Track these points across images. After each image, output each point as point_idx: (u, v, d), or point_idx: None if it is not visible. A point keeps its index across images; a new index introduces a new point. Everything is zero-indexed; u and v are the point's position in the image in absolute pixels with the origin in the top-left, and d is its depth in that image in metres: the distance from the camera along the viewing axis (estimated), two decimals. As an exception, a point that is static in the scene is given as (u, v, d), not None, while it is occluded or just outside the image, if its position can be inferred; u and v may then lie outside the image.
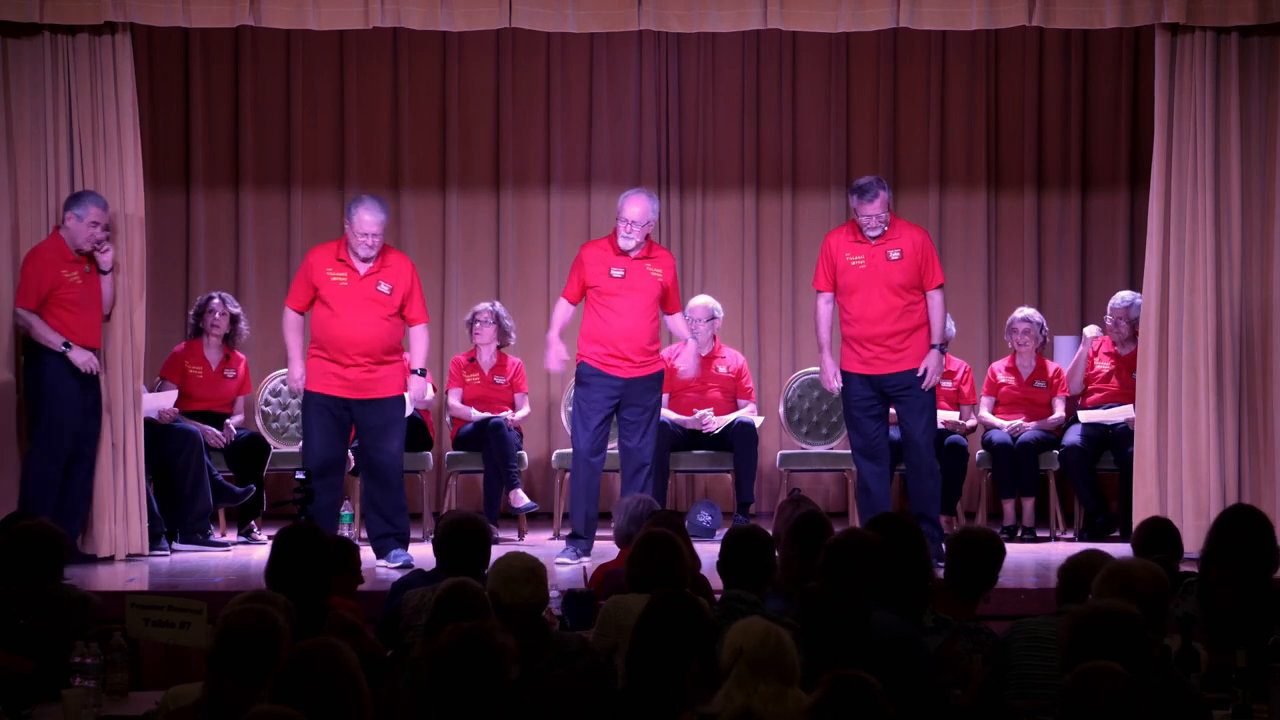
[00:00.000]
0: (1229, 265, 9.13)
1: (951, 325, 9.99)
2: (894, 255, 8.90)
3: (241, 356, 10.21)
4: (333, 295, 8.80)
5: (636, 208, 9.01)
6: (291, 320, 9.02)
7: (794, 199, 11.27)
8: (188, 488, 9.51)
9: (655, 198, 9.20)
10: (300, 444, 10.09)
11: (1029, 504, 10.13)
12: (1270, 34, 9.08)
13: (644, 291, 9.04)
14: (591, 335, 9.08)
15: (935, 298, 8.97)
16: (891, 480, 9.19)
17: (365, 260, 8.81)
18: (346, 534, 9.25)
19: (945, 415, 10.03)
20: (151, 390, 9.68)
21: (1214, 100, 9.07)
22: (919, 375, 8.92)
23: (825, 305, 9.08)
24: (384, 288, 8.83)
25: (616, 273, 9.03)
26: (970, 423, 10.30)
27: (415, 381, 9.06)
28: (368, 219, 8.76)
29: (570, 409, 9.44)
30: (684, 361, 9.56)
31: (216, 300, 10.03)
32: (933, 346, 8.95)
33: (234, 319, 10.02)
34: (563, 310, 9.21)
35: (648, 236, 9.10)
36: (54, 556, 6.10)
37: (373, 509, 8.96)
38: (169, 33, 10.34)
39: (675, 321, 9.36)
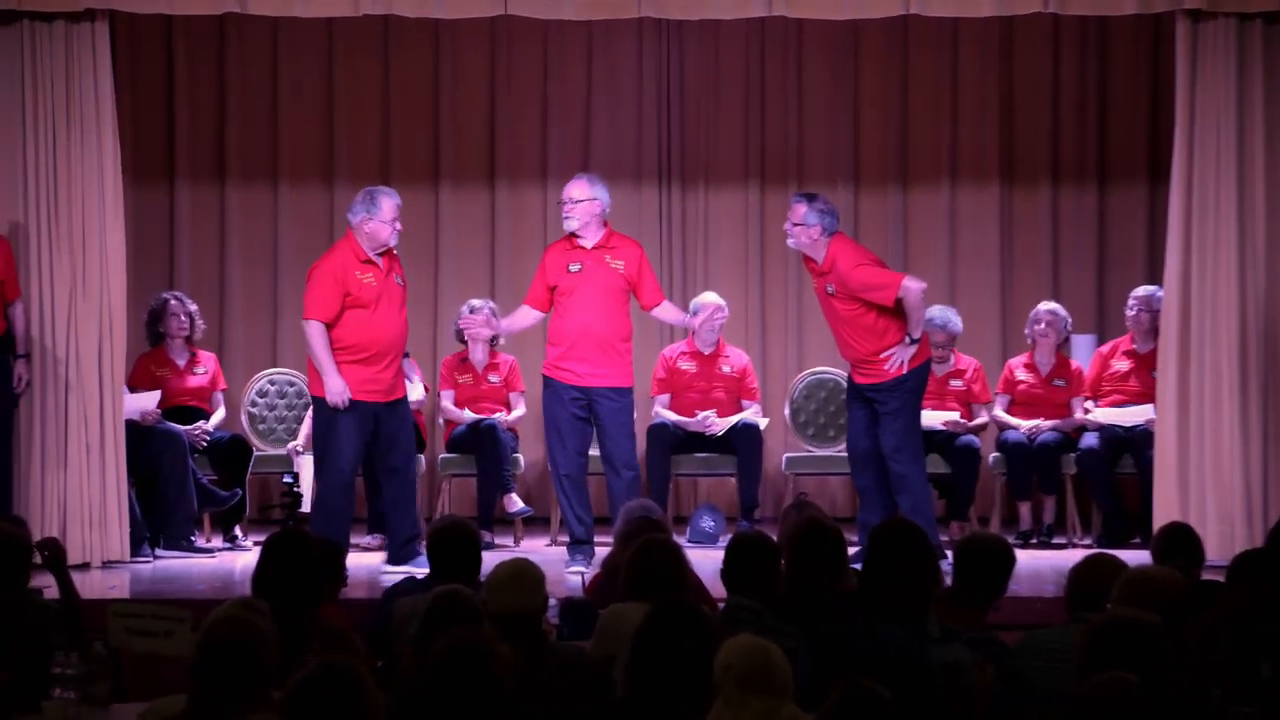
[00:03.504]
0: (1253, 261, 8.92)
1: (958, 320, 9.86)
2: (830, 290, 8.59)
3: (210, 354, 9.96)
4: (368, 296, 8.54)
5: (576, 187, 8.70)
6: (321, 331, 8.50)
7: (799, 194, 10.99)
8: (172, 492, 9.27)
9: (602, 183, 8.79)
10: (288, 446, 9.85)
11: (1050, 503, 9.82)
12: (1295, 20, 8.88)
13: (602, 285, 8.68)
14: (553, 338, 8.77)
15: (906, 299, 8.49)
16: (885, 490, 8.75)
17: (381, 254, 8.57)
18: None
19: (946, 415, 9.76)
20: None
21: (1237, 90, 8.87)
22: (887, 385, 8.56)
23: None
24: (398, 280, 8.67)
25: (574, 267, 8.69)
26: (981, 419, 9.95)
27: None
28: (394, 205, 8.58)
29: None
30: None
31: (174, 302, 9.75)
32: (909, 340, 8.56)
33: (192, 318, 9.76)
34: (522, 314, 8.89)
35: (607, 226, 8.75)
36: (20, 563, 5.85)
37: (400, 513, 8.64)
38: (152, 21, 10.13)
39: (664, 310, 8.97)
